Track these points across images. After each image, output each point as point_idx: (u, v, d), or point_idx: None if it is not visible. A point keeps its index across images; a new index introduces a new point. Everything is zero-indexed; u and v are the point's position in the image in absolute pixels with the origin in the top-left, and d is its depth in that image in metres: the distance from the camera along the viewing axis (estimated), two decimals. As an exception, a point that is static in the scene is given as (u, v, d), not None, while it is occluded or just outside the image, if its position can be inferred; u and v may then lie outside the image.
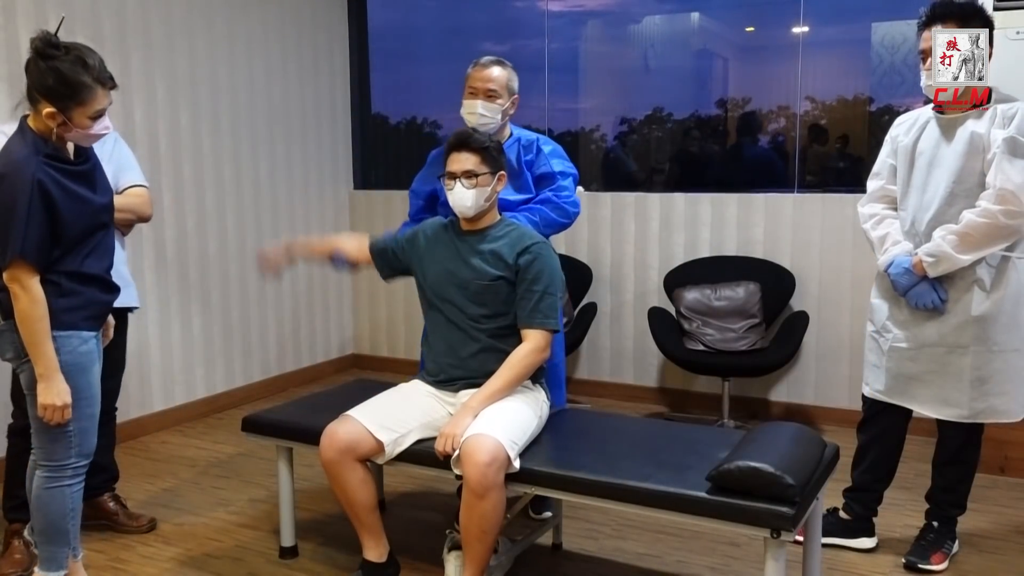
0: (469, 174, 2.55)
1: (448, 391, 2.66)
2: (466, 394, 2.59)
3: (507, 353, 2.58)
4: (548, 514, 3.04)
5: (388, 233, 2.88)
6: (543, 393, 2.68)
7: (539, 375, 2.69)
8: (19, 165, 2.20)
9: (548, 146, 3.03)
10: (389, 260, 2.80)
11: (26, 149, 2.22)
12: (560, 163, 3.01)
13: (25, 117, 2.31)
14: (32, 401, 2.33)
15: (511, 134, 3.03)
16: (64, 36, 2.23)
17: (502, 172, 2.63)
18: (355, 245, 2.84)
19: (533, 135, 3.05)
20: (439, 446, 2.42)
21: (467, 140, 2.58)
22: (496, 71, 2.91)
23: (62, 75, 2.17)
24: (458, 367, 2.64)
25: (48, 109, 2.20)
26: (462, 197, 2.56)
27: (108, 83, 2.26)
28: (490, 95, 2.89)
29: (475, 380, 2.59)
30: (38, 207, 2.19)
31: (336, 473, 2.48)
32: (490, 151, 2.59)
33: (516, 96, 2.98)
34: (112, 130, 2.39)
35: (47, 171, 2.22)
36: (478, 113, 2.88)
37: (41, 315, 2.23)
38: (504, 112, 2.93)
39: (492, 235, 2.64)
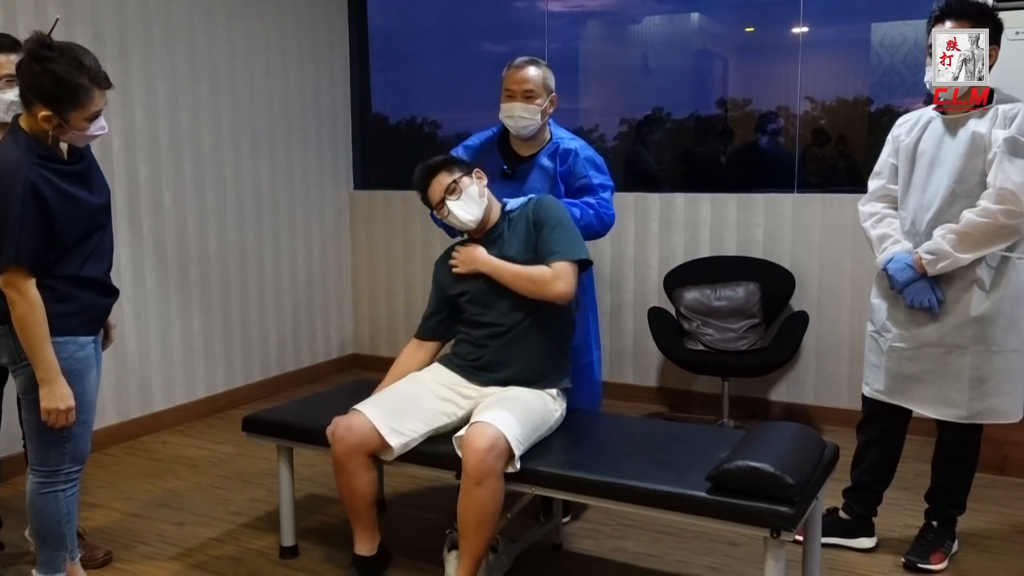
0: (449, 189, 2.59)
1: (474, 383, 2.64)
2: (491, 390, 2.60)
3: (545, 344, 2.61)
4: (567, 518, 3.12)
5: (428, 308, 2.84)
6: (561, 405, 2.66)
7: (560, 380, 2.67)
8: (11, 168, 2.17)
9: (586, 152, 2.96)
10: (447, 317, 2.77)
11: (18, 151, 2.19)
12: (599, 176, 2.95)
13: (16, 117, 2.28)
14: (28, 405, 2.32)
15: (551, 137, 2.96)
16: (65, 36, 2.21)
17: (476, 168, 2.67)
18: (415, 359, 2.78)
19: (574, 143, 2.96)
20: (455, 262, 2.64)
21: (423, 170, 2.65)
22: (532, 71, 2.85)
23: (58, 78, 2.13)
24: (488, 362, 2.64)
25: (44, 112, 2.16)
26: (457, 213, 2.60)
27: (104, 83, 2.22)
28: (528, 96, 2.83)
29: (509, 374, 2.61)
30: (31, 210, 2.16)
31: (345, 467, 2.48)
32: (450, 159, 2.66)
33: (554, 95, 2.92)
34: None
35: (40, 172, 2.18)
36: (517, 115, 2.83)
37: (39, 319, 2.21)
38: (543, 112, 2.88)
39: (503, 228, 2.67)
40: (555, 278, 2.52)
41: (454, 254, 2.69)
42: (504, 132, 2.99)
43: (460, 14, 5.49)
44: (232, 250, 4.65)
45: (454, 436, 2.42)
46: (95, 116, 2.23)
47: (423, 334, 2.80)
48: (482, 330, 2.65)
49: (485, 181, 2.67)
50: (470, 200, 2.59)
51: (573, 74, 5.18)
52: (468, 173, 2.63)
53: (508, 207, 2.72)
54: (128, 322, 4.04)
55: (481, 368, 2.64)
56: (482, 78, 5.36)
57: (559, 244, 2.55)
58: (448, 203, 2.59)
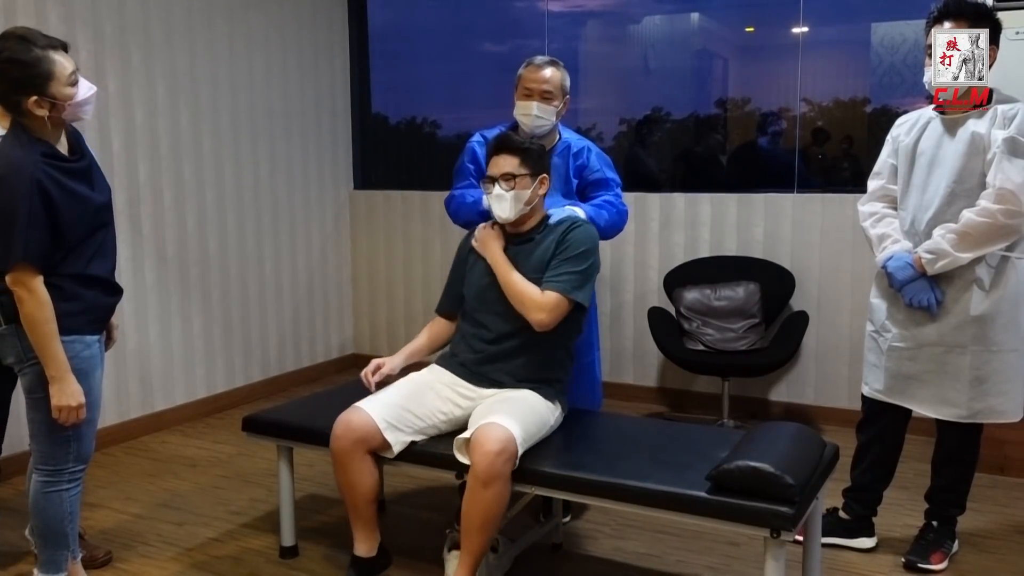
0: (507, 176, 2.53)
1: (472, 383, 2.63)
2: (489, 392, 2.58)
3: (541, 358, 2.59)
4: (567, 518, 3.11)
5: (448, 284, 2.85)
6: (559, 410, 2.65)
7: (556, 389, 2.64)
8: (17, 166, 2.17)
9: (597, 149, 3.01)
10: (460, 293, 2.76)
11: (22, 149, 2.19)
12: (610, 171, 3.00)
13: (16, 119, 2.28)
14: (34, 404, 2.32)
15: (560, 137, 2.98)
16: (65, 36, 2.21)
17: (544, 175, 2.60)
18: (429, 334, 2.81)
19: (583, 141, 3.01)
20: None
21: (506, 142, 2.57)
22: (550, 72, 2.87)
23: (18, 61, 2.13)
24: (486, 366, 2.63)
25: (31, 99, 2.16)
26: (500, 201, 2.55)
27: (59, 45, 2.22)
28: (546, 96, 2.84)
29: (503, 380, 2.59)
30: (39, 207, 2.17)
31: (346, 463, 2.47)
32: (531, 153, 2.56)
33: (568, 97, 2.95)
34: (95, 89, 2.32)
35: (45, 170, 2.19)
36: (533, 115, 2.83)
37: (48, 317, 2.21)
38: (558, 113, 2.90)
39: (537, 239, 2.62)
40: (540, 308, 2.50)
41: (480, 228, 2.69)
42: (513, 130, 2.98)
43: (460, 14, 5.49)
44: (232, 250, 4.65)
45: (456, 438, 2.41)
46: (74, 81, 2.23)
47: (437, 308, 2.84)
48: (479, 330, 2.65)
49: (546, 189, 2.63)
50: (515, 200, 2.54)
51: (573, 74, 5.09)
52: (536, 174, 2.57)
53: (551, 219, 2.67)
54: (128, 322, 4.04)
55: (477, 371, 2.63)
56: (482, 78, 5.37)
57: (564, 277, 2.51)
58: (497, 187, 2.55)
